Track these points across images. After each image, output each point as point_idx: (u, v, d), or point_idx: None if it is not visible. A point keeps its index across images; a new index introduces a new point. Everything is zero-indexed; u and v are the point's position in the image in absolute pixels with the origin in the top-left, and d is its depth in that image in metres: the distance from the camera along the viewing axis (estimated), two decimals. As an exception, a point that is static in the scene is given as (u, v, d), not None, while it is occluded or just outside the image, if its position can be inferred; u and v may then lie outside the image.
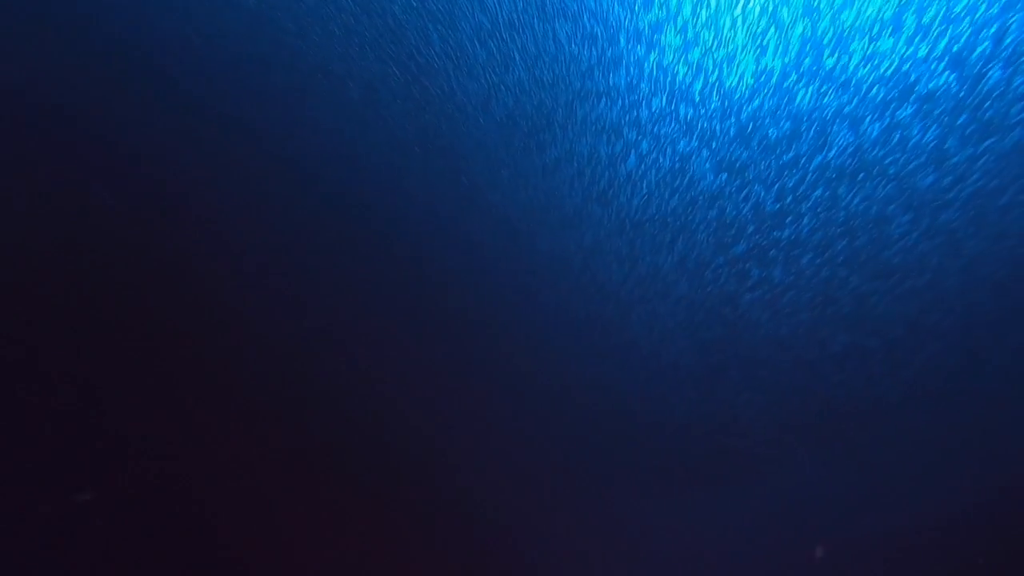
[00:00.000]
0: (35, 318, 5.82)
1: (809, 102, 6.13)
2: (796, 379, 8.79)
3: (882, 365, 8.77)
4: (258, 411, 7.09)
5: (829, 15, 5.35)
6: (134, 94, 5.82)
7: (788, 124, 6.37)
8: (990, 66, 5.51)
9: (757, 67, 5.83)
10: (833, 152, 6.61)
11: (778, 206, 7.14)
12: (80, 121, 5.76)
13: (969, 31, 5.31)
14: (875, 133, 6.38)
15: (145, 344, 6.34)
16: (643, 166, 6.78)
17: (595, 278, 7.71)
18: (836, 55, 5.67)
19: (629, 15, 5.40)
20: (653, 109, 6.23)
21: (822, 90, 6.00)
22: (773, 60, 5.76)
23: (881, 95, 5.98)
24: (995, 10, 5.11)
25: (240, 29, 5.64)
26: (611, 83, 5.95)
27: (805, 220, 7.29)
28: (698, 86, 6.04)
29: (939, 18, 5.26)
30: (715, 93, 6.08)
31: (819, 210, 7.17)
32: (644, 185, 6.95)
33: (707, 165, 6.76)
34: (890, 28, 5.38)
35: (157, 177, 6.12)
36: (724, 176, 6.86)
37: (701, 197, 7.05)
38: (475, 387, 8.32)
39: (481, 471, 8.75)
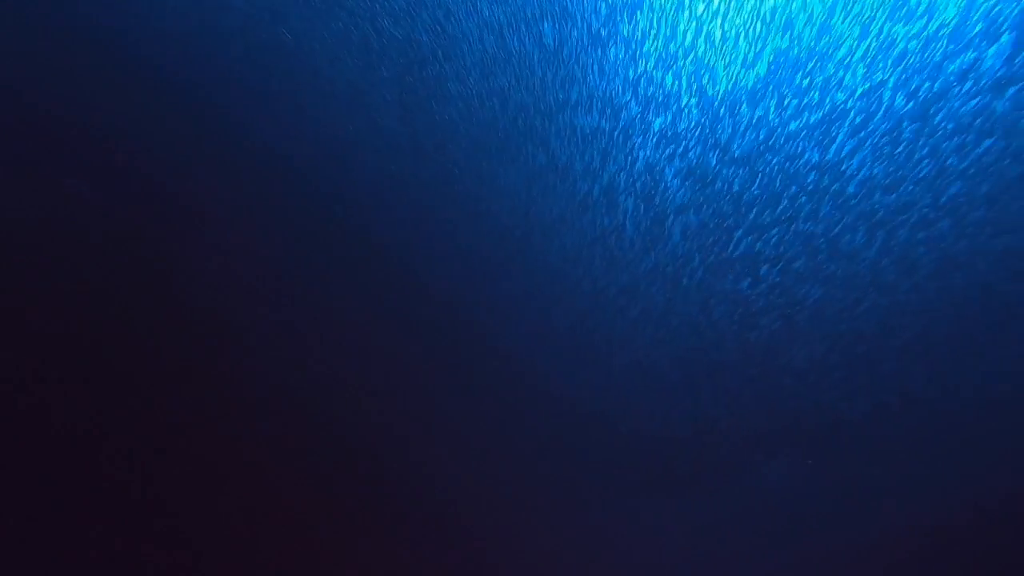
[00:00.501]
0: (28, 316, 5.59)
1: (779, 118, 6.40)
2: (765, 390, 9.01)
3: (843, 379, 9.05)
4: (248, 414, 6.89)
5: (804, 36, 5.65)
6: (128, 95, 5.71)
7: (758, 138, 6.61)
8: (952, 93, 5.89)
9: (732, 81, 6.07)
10: (800, 166, 6.88)
11: (745, 218, 7.37)
12: (76, 121, 5.63)
13: (939, 58, 5.68)
14: (840, 151, 6.68)
15: (131, 341, 6.13)
16: (620, 175, 6.94)
17: (578, 286, 7.80)
18: (809, 74, 5.96)
19: (613, 22, 5.58)
20: (632, 117, 6.41)
21: (792, 107, 6.28)
22: (748, 75, 6.02)
23: (848, 115, 6.29)
24: (962, 37, 5.48)
25: (232, 32, 5.62)
26: (592, 90, 6.12)
27: (774, 232, 7.53)
28: (675, 96, 6.24)
29: (909, 44, 5.61)
30: (691, 104, 6.30)
31: (782, 223, 7.42)
32: (621, 193, 7.11)
33: (680, 175, 6.95)
34: (860, 51, 5.71)
35: (149, 176, 5.99)
36: (696, 186, 7.06)
37: (673, 207, 7.23)
38: (457, 393, 8.25)
39: (463, 476, 8.64)
